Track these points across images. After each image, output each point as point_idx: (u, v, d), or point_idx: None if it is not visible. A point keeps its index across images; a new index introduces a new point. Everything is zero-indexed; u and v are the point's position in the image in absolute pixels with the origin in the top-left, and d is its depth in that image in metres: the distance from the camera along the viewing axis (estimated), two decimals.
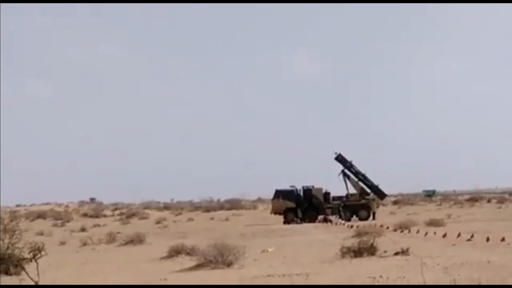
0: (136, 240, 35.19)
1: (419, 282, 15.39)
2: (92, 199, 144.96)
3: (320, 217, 57.08)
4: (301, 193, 60.69)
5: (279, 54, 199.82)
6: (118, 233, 40.45)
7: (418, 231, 33.63)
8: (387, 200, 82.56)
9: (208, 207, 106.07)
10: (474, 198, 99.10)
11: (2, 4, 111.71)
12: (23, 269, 17.76)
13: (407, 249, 22.79)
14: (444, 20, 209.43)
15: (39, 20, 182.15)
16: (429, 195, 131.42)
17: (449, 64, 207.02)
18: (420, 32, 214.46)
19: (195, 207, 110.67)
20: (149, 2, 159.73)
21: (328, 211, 58.95)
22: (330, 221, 53.50)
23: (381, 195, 63.86)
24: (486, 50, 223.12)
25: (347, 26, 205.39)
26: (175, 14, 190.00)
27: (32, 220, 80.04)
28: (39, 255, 17.36)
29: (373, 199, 61.62)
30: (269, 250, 27.91)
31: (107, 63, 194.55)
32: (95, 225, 63.40)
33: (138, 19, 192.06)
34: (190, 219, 71.94)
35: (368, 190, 62.08)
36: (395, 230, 35.88)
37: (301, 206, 59.61)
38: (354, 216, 58.63)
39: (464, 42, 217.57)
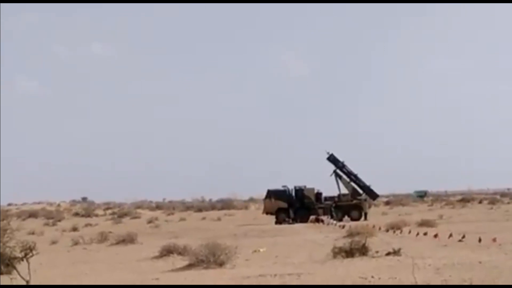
0: (128, 239, 35.15)
1: (411, 282, 15.42)
2: (84, 199, 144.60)
3: (312, 217, 57.02)
4: (293, 193, 60.71)
5: (270, 53, 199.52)
6: (110, 232, 40.40)
7: (409, 232, 33.70)
8: (379, 200, 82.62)
9: (200, 207, 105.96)
10: (466, 199, 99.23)
11: None
12: (15, 268, 17.70)
13: (399, 250, 22.83)
14: (433, 20, 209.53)
15: (29, 17, 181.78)
16: (421, 195, 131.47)
17: (440, 63, 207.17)
18: (410, 31, 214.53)
19: (187, 206, 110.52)
20: (139, 2, 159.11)
21: (320, 211, 58.89)
22: (322, 221, 53.47)
23: (373, 195, 63.87)
24: (477, 49, 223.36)
25: (336, 25, 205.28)
26: (165, 13, 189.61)
27: (24, 219, 79.93)
28: (30, 254, 17.30)
29: (365, 200, 61.63)
30: (261, 250, 27.92)
31: (99, 62, 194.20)
32: (86, 225, 63.28)
33: (129, 18, 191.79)
34: (182, 219, 71.85)
35: (360, 191, 62.08)
36: (387, 231, 35.93)
37: (293, 206, 59.64)
38: (346, 217, 58.62)
39: (454, 41, 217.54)
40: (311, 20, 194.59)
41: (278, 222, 56.81)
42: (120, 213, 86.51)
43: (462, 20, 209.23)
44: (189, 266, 22.19)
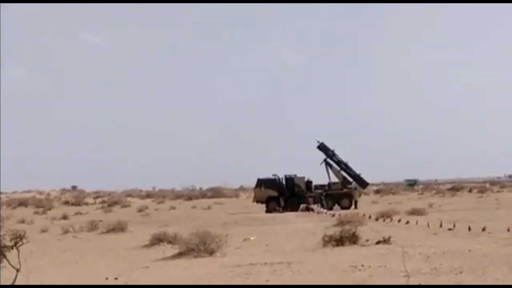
0: (118, 228, 35.07)
1: (401, 270, 15.44)
2: (74, 187, 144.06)
3: (302, 206, 57.13)
4: (283, 182, 60.78)
5: (261, 44, 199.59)
6: (100, 221, 40.24)
7: (399, 220, 33.77)
8: (369, 189, 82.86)
9: (190, 195, 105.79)
10: (456, 188, 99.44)
11: None
12: (4, 257, 17.63)
13: (389, 238, 22.89)
14: (429, 11, 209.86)
15: (22, 7, 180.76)
16: (411, 184, 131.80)
17: (433, 53, 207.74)
18: (407, 21, 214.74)
19: (177, 195, 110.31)
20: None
21: (310, 200, 58.96)
22: (312, 210, 53.57)
23: (363, 184, 64.02)
24: (471, 40, 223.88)
25: (329, 15, 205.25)
26: (158, 4, 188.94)
27: (14, 208, 79.54)
28: (20, 243, 17.23)
29: (355, 188, 61.76)
30: (251, 238, 27.91)
31: (89, 51, 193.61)
32: (76, 213, 63.05)
33: (121, 10, 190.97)
34: (172, 208, 71.71)
35: (350, 179, 62.23)
36: (377, 219, 36.02)
37: (283, 194, 59.70)
38: (336, 205, 58.66)
39: (450, 32, 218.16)
40: (304, 11, 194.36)
41: (268, 210, 56.87)
42: (110, 201, 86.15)
43: (458, 11, 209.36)
44: (180, 255, 22.17)
